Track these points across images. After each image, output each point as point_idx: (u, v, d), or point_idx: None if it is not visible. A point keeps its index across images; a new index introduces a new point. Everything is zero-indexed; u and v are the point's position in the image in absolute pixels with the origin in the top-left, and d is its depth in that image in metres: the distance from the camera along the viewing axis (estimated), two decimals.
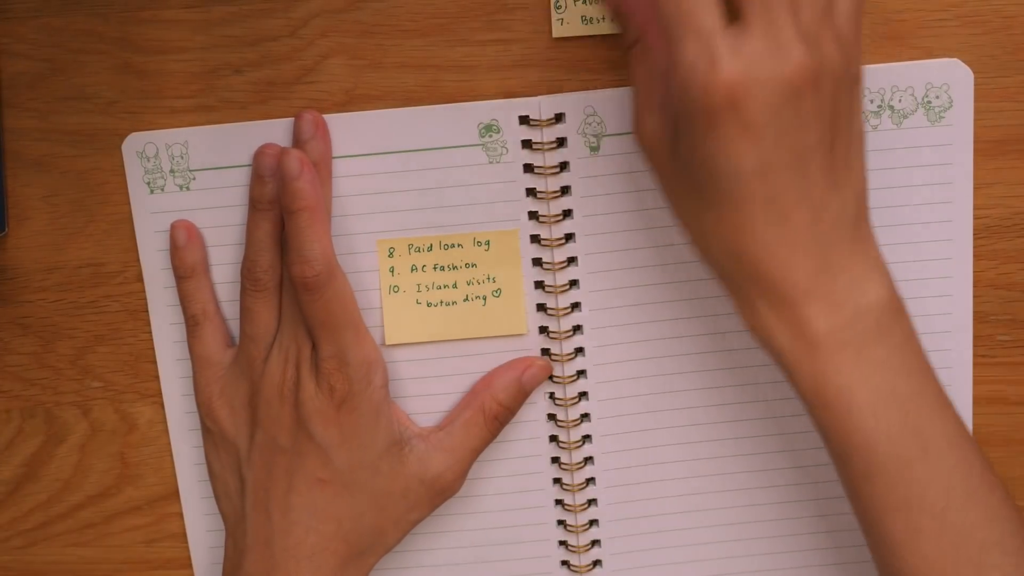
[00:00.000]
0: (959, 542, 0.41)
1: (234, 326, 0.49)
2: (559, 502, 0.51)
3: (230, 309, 0.49)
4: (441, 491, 0.47)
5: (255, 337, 0.47)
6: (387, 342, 0.47)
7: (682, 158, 0.40)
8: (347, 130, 0.47)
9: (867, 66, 0.46)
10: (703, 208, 0.41)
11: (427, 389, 0.49)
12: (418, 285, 0.47)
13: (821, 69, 0.38)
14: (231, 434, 0.48)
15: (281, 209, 0.45)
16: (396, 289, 0.45)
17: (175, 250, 0.48)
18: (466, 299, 0.47)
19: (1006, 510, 0.42)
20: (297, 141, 0.46)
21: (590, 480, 0.50)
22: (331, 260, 0.45)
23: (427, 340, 0.48)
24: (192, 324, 0.48)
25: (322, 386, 0.45)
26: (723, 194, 0.39)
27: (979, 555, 0.41)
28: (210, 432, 0.48)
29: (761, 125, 0.38)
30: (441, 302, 0.47)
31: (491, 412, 0.48)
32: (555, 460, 0.50)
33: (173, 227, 0.48)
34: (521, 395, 0.48)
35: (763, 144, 0.38)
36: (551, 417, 0.50)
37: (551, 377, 0.49)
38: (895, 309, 0.41)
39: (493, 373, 0.49)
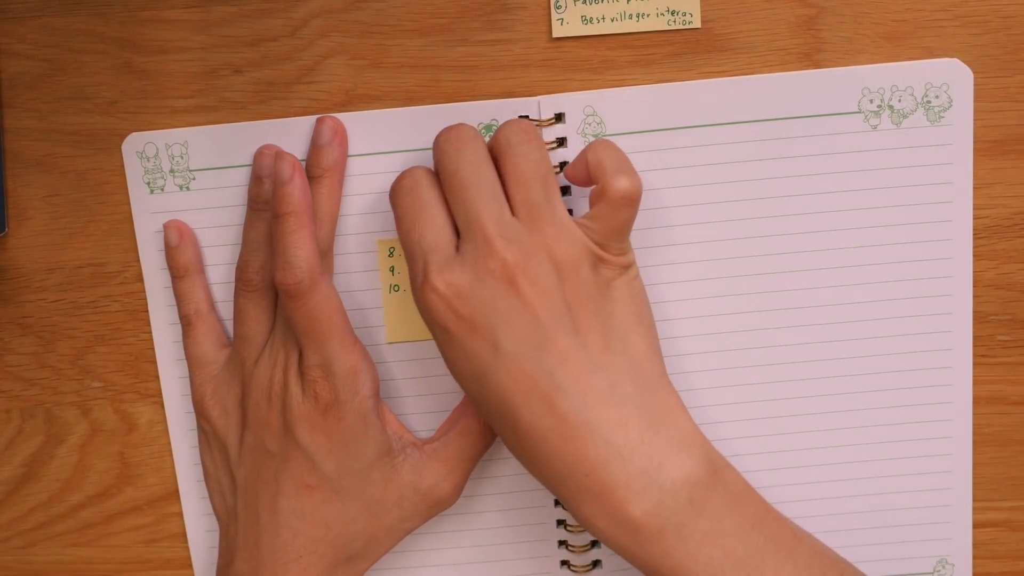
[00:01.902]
0: None
1: (230, 326, 0.49)
2: (559, 502, 0.51)
3: (228, 309, 0.49)
4: (436, 503, 0.47)
5: (246, 338, 0.47)
6: (387, 340, 0.47)
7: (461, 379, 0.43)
8: (347, 130, 0.47)
9: (867, 66, 0.46)
10: (499, 428, 0.42)
11: (426, 389, 0.49)
12: None
13: (525, 259, 0.40)
14: (222, 433, 0.48)
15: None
16: (396, 288, 0.45)
17: (168, 250, 0.48)
18: None
19: None
20: (314, 145, 0.46)
21: None
22: (315, 268, 0.44)
23: (427, 338, 0.48)
24: (186, 324, 0.48)
25: (307, 393, 0.45)
26: (494, 412, 0.41)
27: None
28: (203, 431, 0.48)
29: (479, 327, 0.40)
30: None
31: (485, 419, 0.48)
32: None
33: (166, 227, 0.48)
34: None
35: (483, 342, 0.40)
36: None
37: None
38: (710, 477, 0.41)
39: None
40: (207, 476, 0.49)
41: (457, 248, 0.42)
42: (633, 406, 0.41)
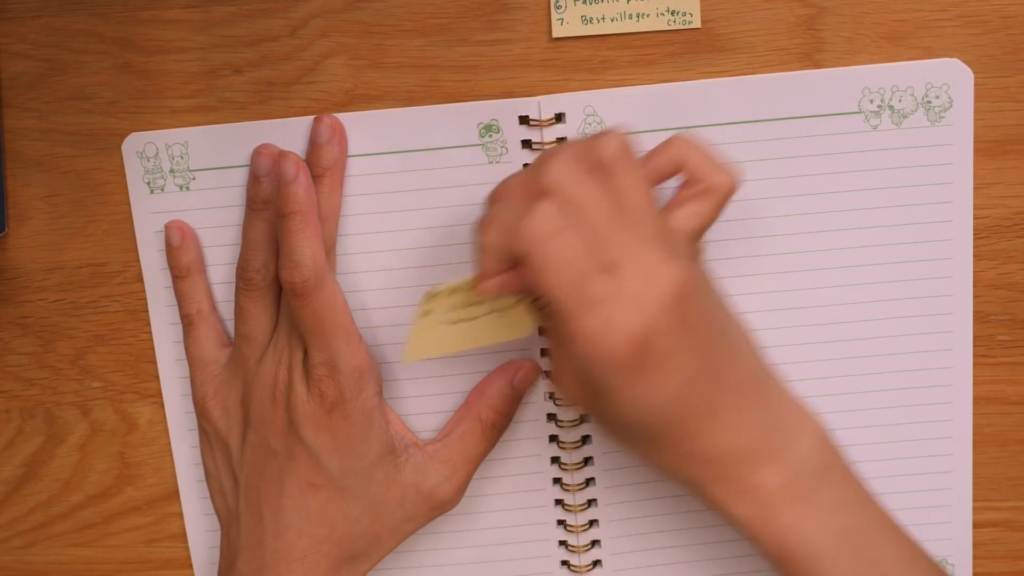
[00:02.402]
0: None
1: (230, 326, 0.49)
2: (559, 502, 0.51)
3: (229, 309, 0.49)
4: (439, 504, 0.47)
5: (248, 336, 0.47)
6: (406, 360, 0.46)
7: (606, 411, 0.41)
8: (347, 130, 0.47)
9: (867, 66, 0.46)
10: (642, 442, 0.42)
11: (427, 390, 0.49)
12: (450, 305, 0.45)
13: (688, 276, 0.39)
14: (224, 433, 0.48)
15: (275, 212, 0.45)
16: (428, 312, 0.44)
17: (170, 250, 0.48)
18: (489, 312, 0.46)
19: None
20: (312, 144, 0.46)
21: (590, 480, 0.50)
22: (321, 266, 0.44)
23: (444, 355, 0.48)
24: (187, 323, 0.48)
25: (312, 391, 0.45)
26: (653, 426, 0.40)
27: None
28: (204, 431, 0.48)
29: (672, 351, 0.39)
30: (469, 318, 0.47)
31: (488, 421, 0.48)
32: (555, 460, 0.50)
33: (167, 227, 0.48)
34: (515, 400, 0.48)
35: (673, 370, 0.39)
36: (551, 417, 0.50)
37: (551, 376, 0.49)
38: (829, 446, 0.42)
39: (485, 382, 0.49)
40: (208, 476, 0.49)
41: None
42: (761, 387, 0.42)
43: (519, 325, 0.47)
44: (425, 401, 0.49)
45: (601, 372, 0.39)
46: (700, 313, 0.40)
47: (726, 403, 0.41)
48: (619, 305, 0.38)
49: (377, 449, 0.46)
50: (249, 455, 0.47)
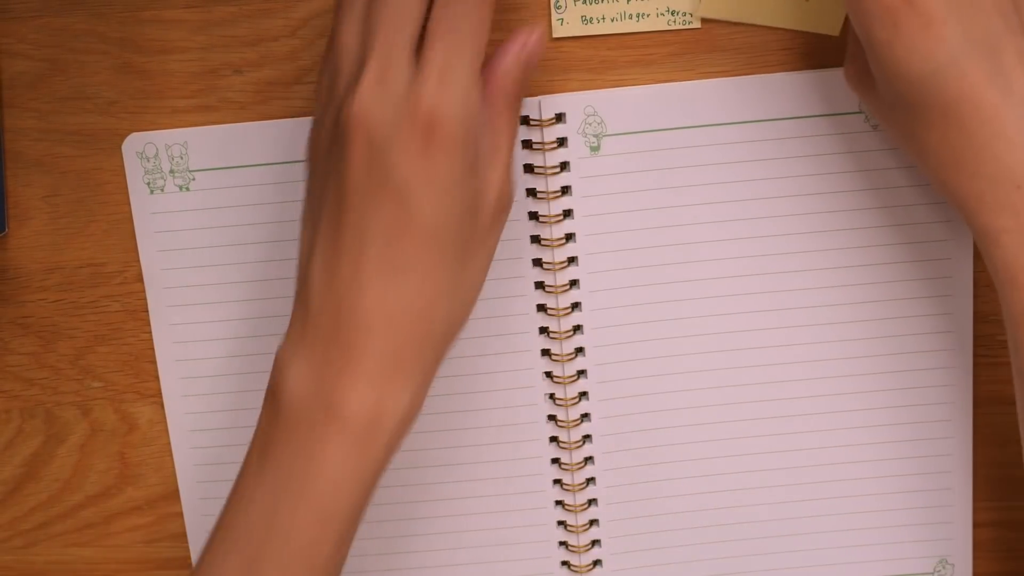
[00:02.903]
0: None
1: (231, 326, 0.49)
2: (559, 503, 0.51)
3: (235, 309, 0.49)
4: (505, 206, 0.41)
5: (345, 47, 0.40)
6: (700, 13, 0.43)
7: (882, 81, 0.39)
8: None
9: None
10: (921, 130, 0.39)
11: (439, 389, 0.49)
12: None
13: None
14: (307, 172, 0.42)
15: None
16: None
17: None
18: None
19: None
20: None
21: (590, 480, 0.50)
22: None
23: (736, 19, 0.46)
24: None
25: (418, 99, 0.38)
26: (928, 103, 0.38)
27: None
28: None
29: (941, 16, 0.37)
30: None
31: (511, 95, 0.41)
32: (555, 461, 0.50)
33: None
34: (529, 70, 0.42)
35: (947, 36, 0.37)
36: (551, 418, 0.50)
37: (551, 377, 0.49)
38: None
39: (495, 61, 0.41)
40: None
41: None
42: None
43: (828, 19, 0.45)
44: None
45: (865, 19, 0.37)
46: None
47: (1014, 112, 0.37)
48: None
49: (473, 186, 0.40)
50: (329, 201, 0.40)
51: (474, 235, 0.41)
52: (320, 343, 0.39)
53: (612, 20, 0.46)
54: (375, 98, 0.38)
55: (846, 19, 0.45)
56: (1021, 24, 0.39)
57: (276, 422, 0.40)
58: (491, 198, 0.41)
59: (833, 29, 0.46)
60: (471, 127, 0.39)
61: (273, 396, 0.41)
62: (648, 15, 0.46)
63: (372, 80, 0.38)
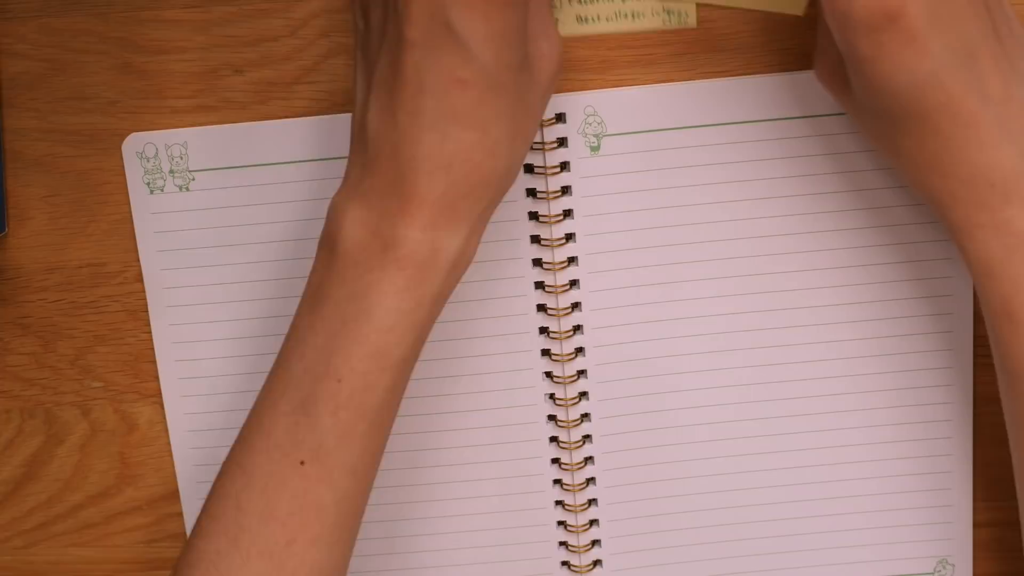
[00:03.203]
0: None
1: (230, 327, 0.49)
2: (559, 503, 0.51)
3: (235, 310, 0.49)
4: (557, 64, 0.42)
5: None
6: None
7: (862, 91, 0.39)
8: (347, 131, 0.47)
9: None
10: (899, 135, 0.40)
11: (440, 389, 0.49)
12: None
13: None
14: (362, 30, 0.42)
15: None
16: None
17: None
18: None
19: None
20: None
21: (590, 480, 0.50)
22: None
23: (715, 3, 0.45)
24: None
25: None
26: (908, 113, 0.38)
27: None
28: (357, 29, 0.43)
29: (924, 31, 0.37)
30: None
31: None
32: (555, 461, 0.50)
33: None
34: None
35: (930, 49, 0.37)
36: (551, 418, 0.50)
37: (551, 377, 0.49)
38: None
39: None
40: (353, 92, 0.43)
41: None
42: None
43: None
44: (436, 401, 0.49)
45: (848, 36, 0.37)
46: (970, 5, 0.38)
47: (988, 116, 0.38)
48: None
49: (527, 43, 0.40)
50: (385, 51, 0.40)
51: (530, 90, 0.41)
52: (378, 189, 0.40)
53: (607, 20, 0.46)
54: None
55: (812, 1, 0.45)
56: (994, 27, 0.39)
57: (332, 266, 0.41)
58: (544, 54, 0.41)
59: (797, 9, 0.45)
60: None
61: (330, 241, 0.41)
62: (643, 15, 0.46)
63: None
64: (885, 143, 0.41)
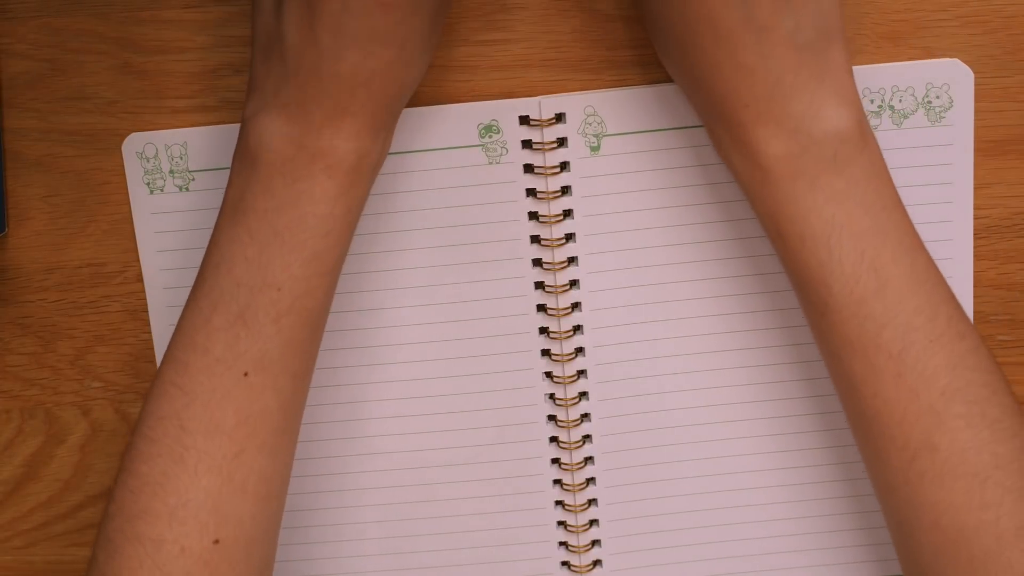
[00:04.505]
0: (919, 387, 0.40)
1: None
2: (559, 503, 0.51)
3: None
4: None
5: None
6: None
7: (644, 7, 0.41)
8: None
9: (867, 66, 0.46)
10: (673, 50, 0.41)
11: (440, 389, 0.49)
12: None
13: None
14: None
15: None
16: None
17: None
18: None
19: (974, 359, 0.41)
20: None
21: (590, 480, 0.50)
22: None
23: None
24: None
25: None
26: (674, 25, 0.39)
27: (941, 402, 0.40)
28: None
29: None
30: None
31: None
32: (555, 461, 0.50)
33: None
34: None
35: None
36: (551, 418, 0.50)
37: (551, 377, 0.49)
38: (859, 140, 0.40)
39: None
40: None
41: None
42: (810, 53, 0.40)
43: None
44: (434, 401, 0.49)
45: None
46: None
47: (748, 38, 0.39)
48: None
49: None
50: None
51: (442, 2, 0.42)
52: (300, 102, 0.41)
53: None
54: None
55: None
56: None
57: (255, 178, 0.42)
58: None
59: None
60: None
61: (249, 154, 0.42)
62: None
63: None
64: (666, 61, 0.42)
